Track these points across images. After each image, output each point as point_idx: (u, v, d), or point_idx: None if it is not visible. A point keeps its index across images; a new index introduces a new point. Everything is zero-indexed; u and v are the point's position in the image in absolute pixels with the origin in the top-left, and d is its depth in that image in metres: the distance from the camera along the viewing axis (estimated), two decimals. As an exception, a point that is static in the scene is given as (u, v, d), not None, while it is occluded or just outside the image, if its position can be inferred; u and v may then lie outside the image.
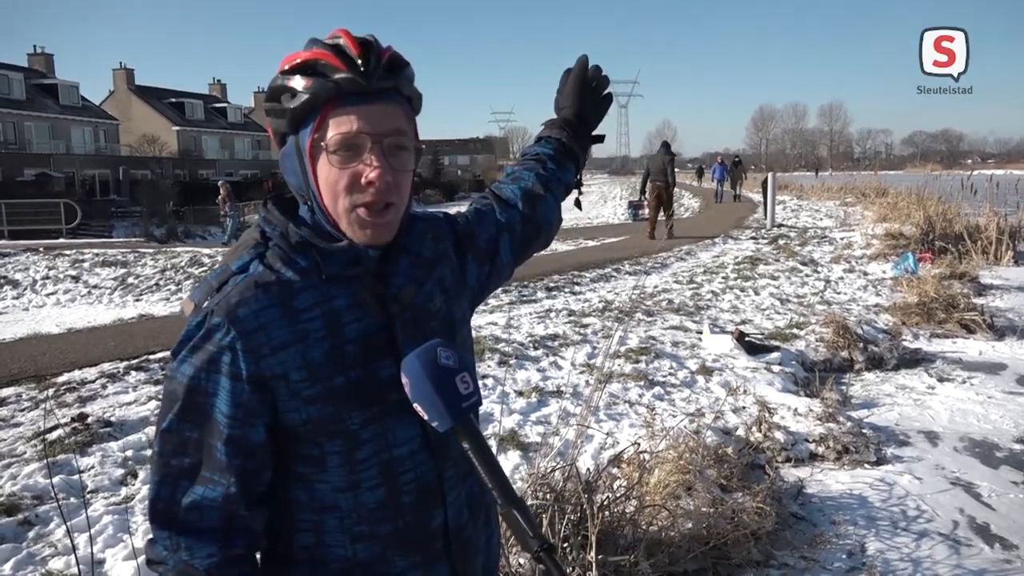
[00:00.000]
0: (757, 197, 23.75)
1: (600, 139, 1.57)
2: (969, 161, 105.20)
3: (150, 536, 1.06)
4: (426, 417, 1.00)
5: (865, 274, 10.46)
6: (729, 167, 30.57)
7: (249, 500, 1.05)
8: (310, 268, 1.06)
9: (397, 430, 1.08)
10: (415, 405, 1.00)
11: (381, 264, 1.11)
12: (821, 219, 19.72)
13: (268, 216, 1.10)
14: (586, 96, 1.51)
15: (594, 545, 2.62)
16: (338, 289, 1.06)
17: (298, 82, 1.03)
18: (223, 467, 1.02)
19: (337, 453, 1.06)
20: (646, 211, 16.93)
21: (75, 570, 2.86)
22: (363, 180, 1.03)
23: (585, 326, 7.07)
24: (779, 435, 4.35)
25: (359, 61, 1.02)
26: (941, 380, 5.90)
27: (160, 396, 5.08)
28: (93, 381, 5.62)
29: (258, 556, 1.12)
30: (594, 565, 2.58)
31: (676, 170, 15.11)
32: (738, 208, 24.84)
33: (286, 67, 1.05)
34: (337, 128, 1.02)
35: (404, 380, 1.00)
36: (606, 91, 1.54)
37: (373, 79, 1.02)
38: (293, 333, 1.03)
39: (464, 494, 1.16)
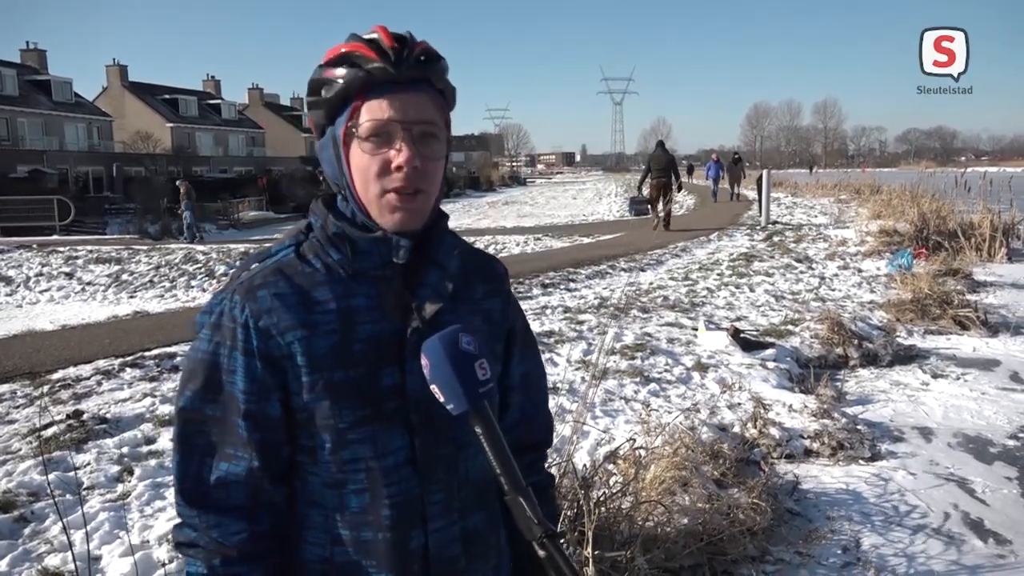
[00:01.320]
0: (752, 194, 23.76)
1: None
2: (963, 158, 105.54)
3: (176, 521, 1.08)
4: (442, 399, 1.00)
5: (859, 271, 10.50)
6: (727, 164, 28.84)
7: (272, 474, 1.07)
8: (341, 262, 1.09)
9: (386, 439, 1.07)
10: (432, 387, 1.00)
11: (411, 273, 1.11)
12: (816, 216, 19.77)
13: (314, 208, 1.14)
14: None
15: (590, 541, 2.62)
16: (363, 288, 1.08)
17: (333, 72, 1.07)
18: (245, 442, 1.05)
19: (326, 448, 1.06)
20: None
21: (71, 567, 2.85)
22: (392, 165, 1.05)
23: (581, 323, 7.08)
24: (774, 431, 4.37)
25: (391, 52, 1.04)
26: (935, 376, 5.92)
27: (155, 393, 5.10)
28: (88, 378, 5.61)
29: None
30: (590, 561, 2.59)
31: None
32: (734, 206, 24.60)
33: (324, 60, 1.09)
34: (369, 115, 1.05)
35: (424, 361, 1.01)
36: None
37: (404, 68, 1.05)
38: (302, 320, 1.05)
39: (460, 528, 1.13)
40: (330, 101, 1.07)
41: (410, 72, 1.06)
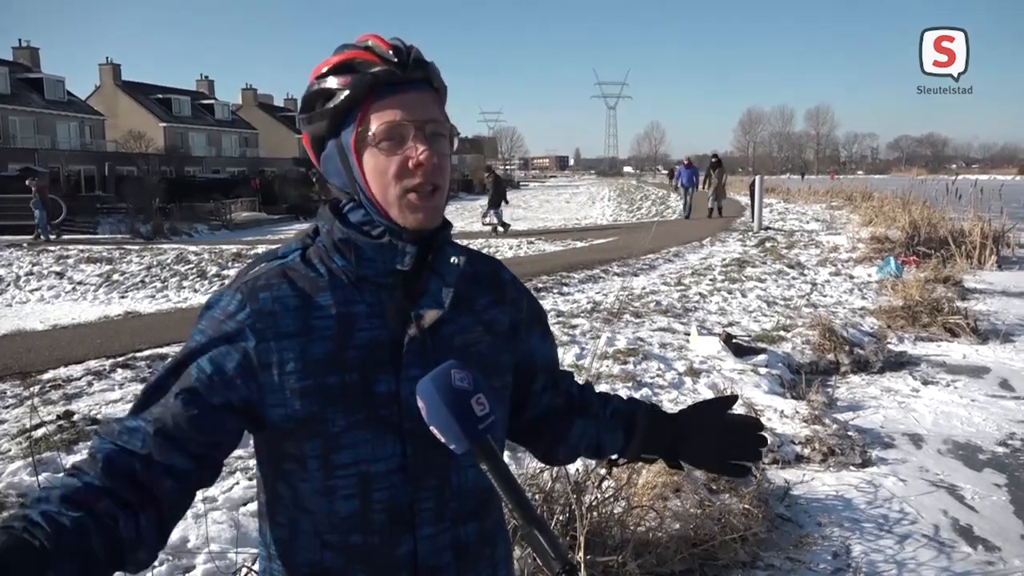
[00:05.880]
0: (744, 200, 23.76)
1: (679, 467, 1.34)
2: (954, 166, 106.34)
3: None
4: (443, 440, 0.98)
5: (851, 277, 10.55)
6: (706, 170, 22.49)
7: (147, 465, 0.99)
8: (345, 267, 1.10)
9: (378, 445, 1.07)
10: (432, 428, 0.98)
11: (414, 281, 1.11)
12: (808, 222, 19.84)
13: (322, 213, 1.15)
14: (723, 446, 1.31)
15: (582, 546, 2.63)
16: (365, 295, 1.09)
17: (334, 82, 1.08)
18: (156, 415, 1.01)
19: (316, 457, 1.06)
20: (488, 218, 21.36)
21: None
22: (411, 164, 1.06)
23: (574, 327, 7.09)
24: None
25: (391, 54, 1.07)
26: (925, 383, 5.95)
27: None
28: (79, 378, 5.59)
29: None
30: (582, 565, 2.60)
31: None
32: (714, 223, 19.97)
33: (322, 71, 1.10)
34: (381, 119, 1.07)
35: (420, 404, 0.99)
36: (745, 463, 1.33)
37: (408, 69, 1.07)
38: (301, 326, 1.06)
39: (451, 537, 1.12)
40: (336, 110, 1.08)
41: (413, 72, 1.08)
